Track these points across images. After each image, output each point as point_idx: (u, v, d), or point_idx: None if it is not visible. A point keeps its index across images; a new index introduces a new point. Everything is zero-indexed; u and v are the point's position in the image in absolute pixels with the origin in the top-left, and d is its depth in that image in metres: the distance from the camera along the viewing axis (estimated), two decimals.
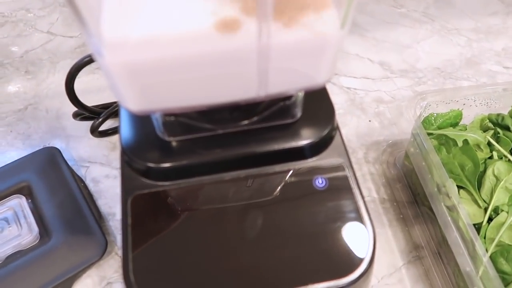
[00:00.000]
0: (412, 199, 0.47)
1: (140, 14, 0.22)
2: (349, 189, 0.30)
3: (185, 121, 0.29)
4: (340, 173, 0.30)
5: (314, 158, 0.31)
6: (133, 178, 0.29)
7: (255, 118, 0.30)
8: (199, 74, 0.22)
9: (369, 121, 0.54)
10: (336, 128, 0.32)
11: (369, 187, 0.48)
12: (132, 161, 0.29)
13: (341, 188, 0.30)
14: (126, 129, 0.30)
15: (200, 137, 0.30)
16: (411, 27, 0.66)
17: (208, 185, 0.29)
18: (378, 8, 0.69)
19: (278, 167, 0.30)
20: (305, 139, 0.30)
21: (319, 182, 0.30)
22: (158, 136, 0.29)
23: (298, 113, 0.30)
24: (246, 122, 0.30)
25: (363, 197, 0.30)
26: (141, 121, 0.30)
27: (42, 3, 0.66)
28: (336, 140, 0.32)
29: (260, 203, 0.29)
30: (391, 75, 0.60)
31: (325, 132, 0.30)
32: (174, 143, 0.29)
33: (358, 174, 0.50)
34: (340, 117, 0.55)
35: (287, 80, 0.24)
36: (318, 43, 0.22)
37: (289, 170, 0.30)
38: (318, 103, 0.32)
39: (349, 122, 0.54)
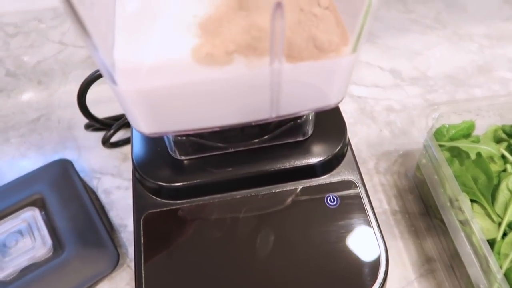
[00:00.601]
0: (424, 211, 0.47)
1: (151, 41, 0.22)
2: (361, 207, 0.30)
3: (196, 140, 0.29)
4: (351, 191, 0.30)
5: (325, 176, 0.30)
6: (145, 197, 0.29)
7: (266, 137, 0.30)
8: (211, 99, 0.22)
9: (380, 130, 0.54)
10: (348, 144, 0.32)
11: (380, 198, 0.48)
12: (144, 180, 0.29)
13: (353, 206, 0.30)
14: (138, 148, 0.30)
15: (211, 155, 0.30)
16: (422, 33, 0.65)
17: (220, 204, 0.29)
18: (389, 14, 0.69)
19: (289, 185, 0.30)
20: (316, 157, 0.30)
21: (331, 200, 0.30)
22: (170, 155, 0.29)
23: (310, 130, 0.30)
24: (257, 140, 0.30)
25: (375, 215, 0.30)
26: (153, 140, 0.30)
27: (53, 13, 0.67)
28: (348, 157, 0.32)
29: (272, 221, 0.29)
30: (401, 83, 0.59)
31: (337, 149, 0.30)
32: (185, 162, 0.29)
33: (369, 185, 0.49)
34: (351, 126, 0.54)
35: (299, 102, 0.24)
36: (329, 68, 0.22)
37: (300, 188, 0.30)
38: (329, 120, 0.31)
39: (359, 132, 0.54)
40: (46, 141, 0.52)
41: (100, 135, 0.51)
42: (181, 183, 0.29)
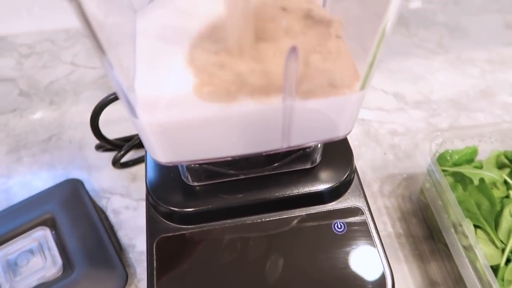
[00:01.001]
0: (428, 235, 0.47)
1: (169, 76, 0.23)
2: (367, 234, 0.30)
3: (208, 167, 0.30)
4: (358, 218, 0.31)
5: (333, 202, 0.31)
6: (158, 221, 0.30)
7: (276, 164, 0.31)
8: (223, 132, 0.23)
9: (384, 153, 0.55)
10: (354, 171, 0.33)
11: (384, 221, 0.49)
12: (157, 204, 0.30)
13: (359, 232, 0.31)
14: (152, 173, 0.31)
15: (222, 182, 0.31)
16: (425, 57, 0.67)
17: (230, 229, 0.30)
18: (392, 38, 0.70)
19: (298, 211, 0.31)
20: (324, 184, 0.31)
21: (338, 226, 0.30)
22: (183, 181, 0.30)
23: (318, 158, 0.31)
24: (267, 167, 0.31)
25: (381, 242, 0.31)
26: (167, 166, 0.31)
27: (66, 35, 0.69)
28: (354, 183, 0.33)
29: (281, 246, 0.30)
30: (405, 106, 0.60)
31: (344, 177, 0.31)
32: (197, 188, 0.30)
33: (373, 207, 0.50)
34: (355, 149, 0.55)
35: (309, 134, 0.25)
36: (341, 102, 0.23)
37: (308, 215, 0.31)
38: (336, 148, 0.32)
39: (364, 154, 0.55)
40: (57, 160, 0.54)
41: (110, 155, 0.53)
42: (193, 209, 0.30)
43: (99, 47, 0.18)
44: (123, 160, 0.51)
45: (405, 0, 0.72)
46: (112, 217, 0.49)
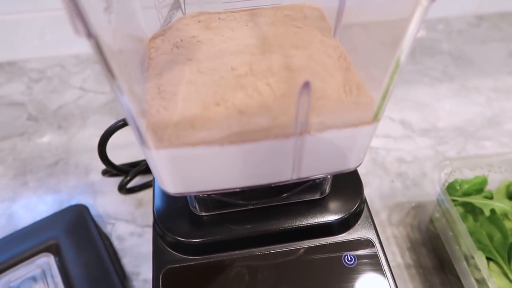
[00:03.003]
0: (439, 266, 0.46)
1: (178, 102, 0.23)
2: (378, 267, 0.30)
3: (217, 198, 0.29)
4: (369, 250, 0.30)
5: (343, 234, 0.31)
6: (165, 252, 0.30)
7: (285, 195, 0.30)
8: (233, 164, 0.23)
9: (392, 181, 0.54)
10: (364, 202, 0.33)
11: (393, 251, 0.48)
12: (164, 234, 0.30)
13: (370, 265, 0.30)
14: (159, 202, 0.31)
15: (231, 212, 0.30)
16: (431, 85, 0.67)
17: (238, 260, 0.30)
18: None
19: (307, 243, 0.30)
20: (334, 215, 0.30)
21: (348, 259, 0.30)
22: (191, 210, 0.30)
23: (327, 189, 0.31)
24: (276, 198, 0.30)
25: (392, 275, 0.30)
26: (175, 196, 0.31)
27: (76, 60, 0.70)
28: (364, 214, 0.32)
29: (290, 279, 0.29)
30: (412, 134, 0.60)
31: (354, 208, 0.31)
32: (205, 218, 0.30)
33: (382, 237, 0.49)
34: (363, 177, 0.54)
35: (319, 166, 0.25)
36: (350, 136, 0.23)
37: (318, 246, 0.30)
38: (346, 178, 0.32)
39: (372, 182, 0.54)
40: (63, 185, 0.53)
41: (116, 180, 0.52)
42: (201, 239, 0.29)
43: (109, 72, 0.18)
44: (129, 185, 0.51)
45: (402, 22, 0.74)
46: (116, 244, 0.48)
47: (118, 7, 0.22)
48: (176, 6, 0.31)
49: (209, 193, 0.25)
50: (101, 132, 0.45)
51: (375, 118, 0.23)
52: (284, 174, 0.25)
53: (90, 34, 0.15)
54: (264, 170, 0.24)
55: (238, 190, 0.26)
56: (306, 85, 0.19)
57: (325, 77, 0.23)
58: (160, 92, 0.23)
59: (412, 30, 0.20)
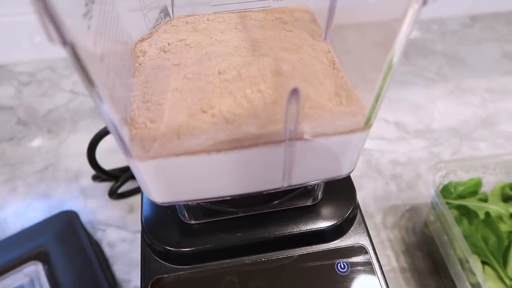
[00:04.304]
0: (434, 269, 0.46)
1: (166, 110, 0.22)
2: (372, 274, 0.29)
3: (207, 206, 0.29)
4: (362, 257, 0.30)
5: (336, 241, 0.30)
6: (154, 261, 0.29)
7: (276, 202, 0.30)
8: (222, 173, 0.23)
9: (386, 183, 0.54)
10: (357, 208, 0.32)
11: (388, 255, 0.47)
12: (153, 244, 0.29)
13: (364, 272, 0.29)
14: (148, 211, 0.30)
15: (221, 219, 0.30)
16: (425, 86, 0.67)
17: (229, 269, 0.29)
18: None
19: (299, 251, 0.30)
20: (326, 221, 0.30)
21: (341, 266, 0.29)
22: (180, 219, 0.29)
23: (319, 195, 0.30)
24: (267, 205, 0.30)
25: (386, 282, 0.29)
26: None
27: (66, 63, 0.69)
28: (357, 220, 0.32)
29: (282, 287, 0.29)
30: (406, 135, 0.60)
31: (347, 214, 0.30)
32: (195, 226, 0.29)
33: (376, 240, 0.49)
34: (357, 179, 0.54)
35: (310, 173, 0.25)
36: (342, 142, 0.22)
37: (310, 254, 0.30)
38: (338, 183, 0.32)
39: (365, 185, 0.54)
40: (53, 190, 0.52)
41: (106, 185, 0.52)
42: (190, 248, 0.28)
43: (88, 80, 0.17)
44: (120, 190, 0.50)
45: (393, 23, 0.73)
46: (107, 250, 0.47)
47: (100, 12, 0.21)
48: (164, 11, 0.31)
49: (196, 201, 0.24)
50: (91, 136, 0.45)
51: (367, 123, 0.22)
52: (274, 181, 0.24)
53: (65, 42, 0.15)
54: (253, 178, 0.24)
55: (227, 198, 0.25)
56: (295, 91, 0.18)
57: (317, 85, 0.22)
58: (145, 102, 0.22)
59: (404, 32, 0.19)
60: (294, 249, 0.30)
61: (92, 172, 0.49)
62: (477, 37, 0.76)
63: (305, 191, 0.30)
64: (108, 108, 0.18)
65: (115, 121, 0.19)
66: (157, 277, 0.28)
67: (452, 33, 0.76)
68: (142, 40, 0.28)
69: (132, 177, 0.50)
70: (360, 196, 0.52)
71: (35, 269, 0.42)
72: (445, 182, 0.45)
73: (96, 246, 0.46)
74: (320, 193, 0.30)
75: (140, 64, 0.26)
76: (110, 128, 0.19)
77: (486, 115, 0.62)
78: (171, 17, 0.31)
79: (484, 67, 0.70)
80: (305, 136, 0.22)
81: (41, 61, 0.69)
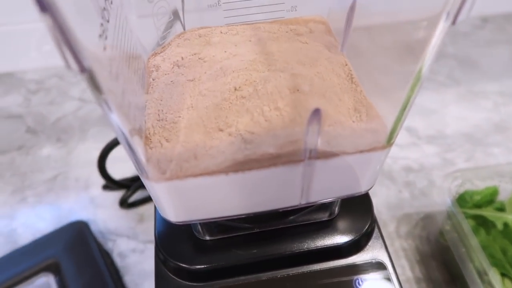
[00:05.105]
0: (449, 279, 0.45)
1: (180, 130, 0.22)
2: None
3: (222, 222, 0.28)
4: (381, 273, 0.29)
5: (353, 257, 0.30)
6: (168, 279, 0.28)
7: (292, 217, 0.29)
8: (238, 192, 0.22)
9: (399, 191, 0.53)
10: (375, 222, 0.31)
11: (402, 265, 0.46)
12: (167, 260, 0.28)
13: None
14: (161, 227, 0.29)
15: (236, 235, 0.29)
16: (436, 91, 0.66)
17: (245, 286, 0.28)
18: (401, 70, 0.70)
19: (316, 266, 0.29)
20: (343, 237, 0.29)
21: (359, 283, 0.29)
22: (194, 235, 0.29)
23: (336, 210, 0.30)
24: (283, 220, 0.29)
25: None
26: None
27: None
28: (375, 235, 0.31)
29: None
30: (418, 141, 0.59)
31: (364, 228, 0.30)
32: (209, 242, 0.29)
33: (390, 250, 0.48)
34: None
35: (328, 191, 0.24)
36: (363, 161, 0.22)
37: (328, 270, 0.29)
38: (355, 197, 0.31)
39: (378, 193, 0.53)
40: (63, 200, 0.52)
41: (117, 194, 0.51)
42: (205, 265, 0.28)
43: (106, 104, 0.17)
44: (131, 200, 0.50)
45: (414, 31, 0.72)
46: (118, 261, 0.47)
47: (114, 30, 0.21)
48: (175, 16, 0.30)
49: (212, 220, 0.24)
50: (101, 144, 0.44)
51: (389, 142, 0.22)
52: (292, 200, 0.24)
53: (84, 69, 0.14)
54: (271, 197, 0.23)
55: (243, 216, 0.25)
56: (316, 112, 0.18)
57: (336, 102, 0.22)
58: (160, 120, 0.22)
59: (436, 39, 0.19)
60: (311, 265, 0.29)
61: (102, 181, 0.49)
62: (488, 39, 0.74)
63: (322, 206, 0.29)
64: (127, 132, 0.18)
65: (134, 148, 0.18)
66: None
67: (463, 35, 0.75)
68: (155, 54, 0.27)
69: (142, 186, 0.49)
70: (373, 204, 0.52)
71: (46, 280, 0.42)
72: (461, 191, 0.44)
73: (106, 257, 0.46)
74: (337, 208, 0.30)
75: (153, 80, 0.26)
76: (129, 155, 0.19)
77: (499, 119, 0.61)
78: (182, 24, 0.30)
79: (496, 69, 0.69)
80: (325, 154, 0.21)
81: (49, 69, 0.69)
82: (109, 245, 0.48)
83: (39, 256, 0.44)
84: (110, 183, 0.46)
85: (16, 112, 0.63)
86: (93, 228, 0.49)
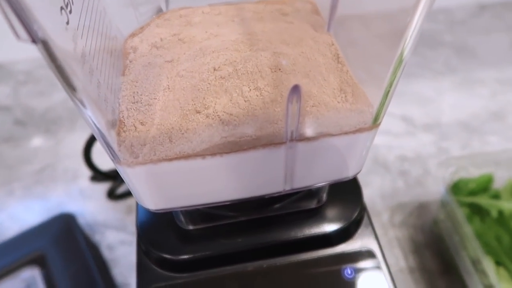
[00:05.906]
0: (443, 269, 0.44)
1: (155, 112, 0.21)
2: (381, 281, 0.28)
3: (205, 210, 0.27)
4: (370, 261, 0.28)
5: (342, 245, 0.29)
6: (150, 269, 0.27)
7: (278, 205, 0.28)
8: (219, 176, 0.21)
9: (394, 180, 0.52)
10: (364, 210, 0.30)
11: (396, 255, 0.46)
12: (149, 251, 0.27)
13: (372, 277, 0.28)
14: (143, 217, 0.28)
15: (220, 224, 0.28)
16: (433, 78, 0.64)
17: (230, 277, 0.27)
18: None
19: (303, 256, 0.28)
20: (331, 225, 0.28)
21: (348, 272, 0.28)
22: (177, 225, 0.28)
23: (324, 197, 0.29)
24: (269, 208, 0.28)
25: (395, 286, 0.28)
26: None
27: None
28: (364, 223, 0.30)
29: None
30: (414, 130, 0.58)
31: (353, 216, 0.29)
32: (193, 232, 0.28)
33: (384, 239, 0.47)
34: (363, 176, 0.53)
35: (313, 176, 0.23)
36: (348, 142, 0.21)
37: (316, 259, 0.28)
38: (344, 184, 0.30)
39: (372, 182, 0.52)
40: (51, 192, 0.51)
41: (105, 185, 0.50)
42: (189, 255, 0.27)
43: (66, 82, 0.15)
44: (119, 191, 0.49)
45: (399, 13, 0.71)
46: (107, 253, 0.46)
47: (83, 5, 0.19)
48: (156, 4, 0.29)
49: (193, 208, 0.23)
50: (90, 135, 0.43)
51: (375, 122, 0.21)
52: (275, 185, 0.23)
53: (35, 39, 0.13)
54: (252, 182, 0.22)
55: (226, 203, 0.24)
56: (295, 89, 0.17)
57: (320, 81, 0.20)
58: (135, 102, 0.21)
59: (416, 23, 0.18)
60: (298, 254, 0.28)
61: (90, 172, 0.48)
62: (485, 26, 0.73)
63: (309, 193, 0.28)
64: (91, 112, 0.16)
65: (99, 126, 0.17)
66: (154, 285, 0.27)
67: (460, 23, 0.74)
68: (133, 35, 0.26)
69: None
70: (367, 194, 0.50)
71: (32, 274, 0.41)
72: (456, 178, 0.43)
73: (94, 249, 0.45)
74: (324, 195, 0.29)
75: (130, 62, 0.24)
76: (95, 133, 0.18)
77: (496, 107, 0.60)
78: (164, 10, 0.29)
79: (493, 57, 0.67)
80: (308, 136, 0.20)
81: (38, 59, 0.68)
82: (97, 237, 0.47)
83: (24, 249, 0.43)
84: (97, 174, 0.45)
85: (4, 104, 0.62)
86: (81, 220, 0.48)
